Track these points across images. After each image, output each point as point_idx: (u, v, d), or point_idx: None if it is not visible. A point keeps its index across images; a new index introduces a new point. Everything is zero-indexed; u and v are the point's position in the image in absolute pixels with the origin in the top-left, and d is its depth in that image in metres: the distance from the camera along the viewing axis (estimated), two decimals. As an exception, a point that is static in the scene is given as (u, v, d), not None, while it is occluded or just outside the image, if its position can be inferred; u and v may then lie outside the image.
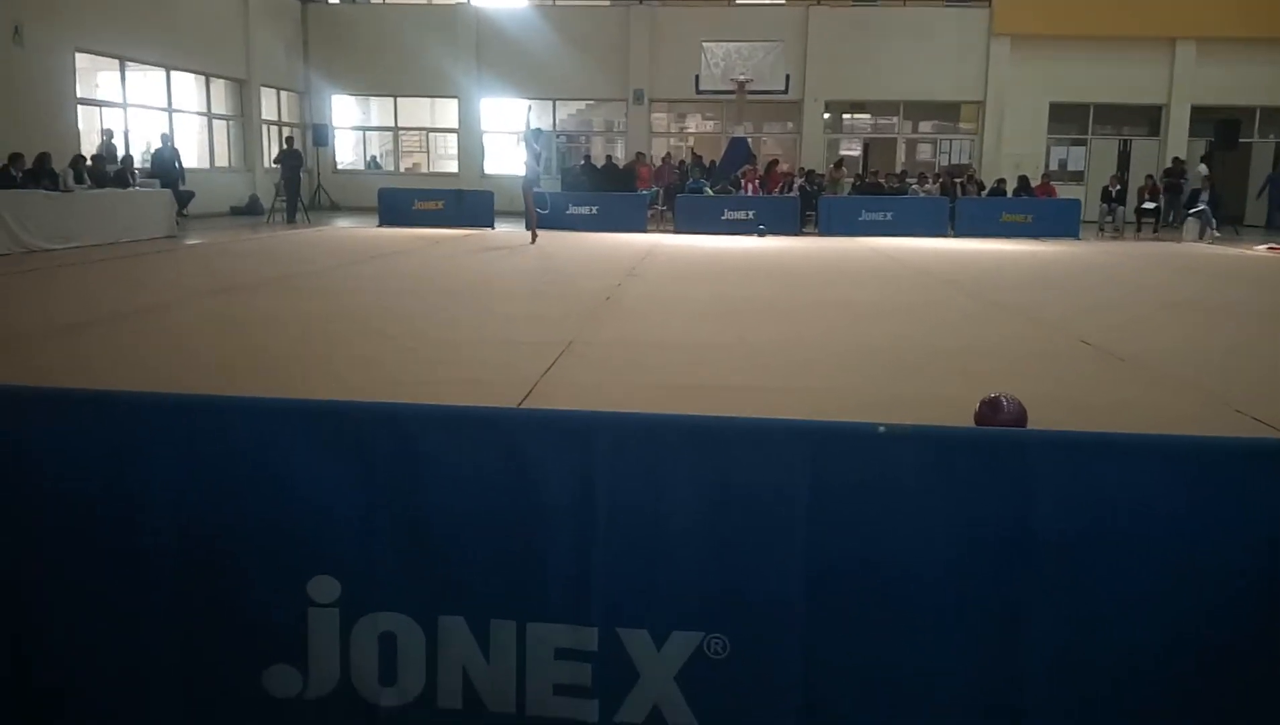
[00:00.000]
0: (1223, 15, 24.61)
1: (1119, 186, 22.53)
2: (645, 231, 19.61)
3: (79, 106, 18.65)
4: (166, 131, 20.03)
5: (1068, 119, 26.42)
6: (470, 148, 27.21)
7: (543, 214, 17.00)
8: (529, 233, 16.43)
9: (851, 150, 27.97)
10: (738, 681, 1.98)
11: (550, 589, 2.01)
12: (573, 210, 20.22)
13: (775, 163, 24.09)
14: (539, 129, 17.24)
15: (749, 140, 24.20)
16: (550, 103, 27.18)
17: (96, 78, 20.31)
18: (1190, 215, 20.64)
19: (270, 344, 7.07)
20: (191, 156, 22.63)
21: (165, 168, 18.97)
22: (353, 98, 27.97)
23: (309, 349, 6.92)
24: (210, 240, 16.36)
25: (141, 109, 20.82)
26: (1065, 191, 23.32)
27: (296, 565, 2.04)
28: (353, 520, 2.04)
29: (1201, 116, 25.10)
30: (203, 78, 22.80)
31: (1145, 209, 22.24)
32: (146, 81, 21.11)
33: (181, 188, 18.33)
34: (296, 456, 2.04)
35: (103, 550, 2.07)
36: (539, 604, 2.01)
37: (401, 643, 2.03)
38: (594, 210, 20.24)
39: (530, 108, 17.59)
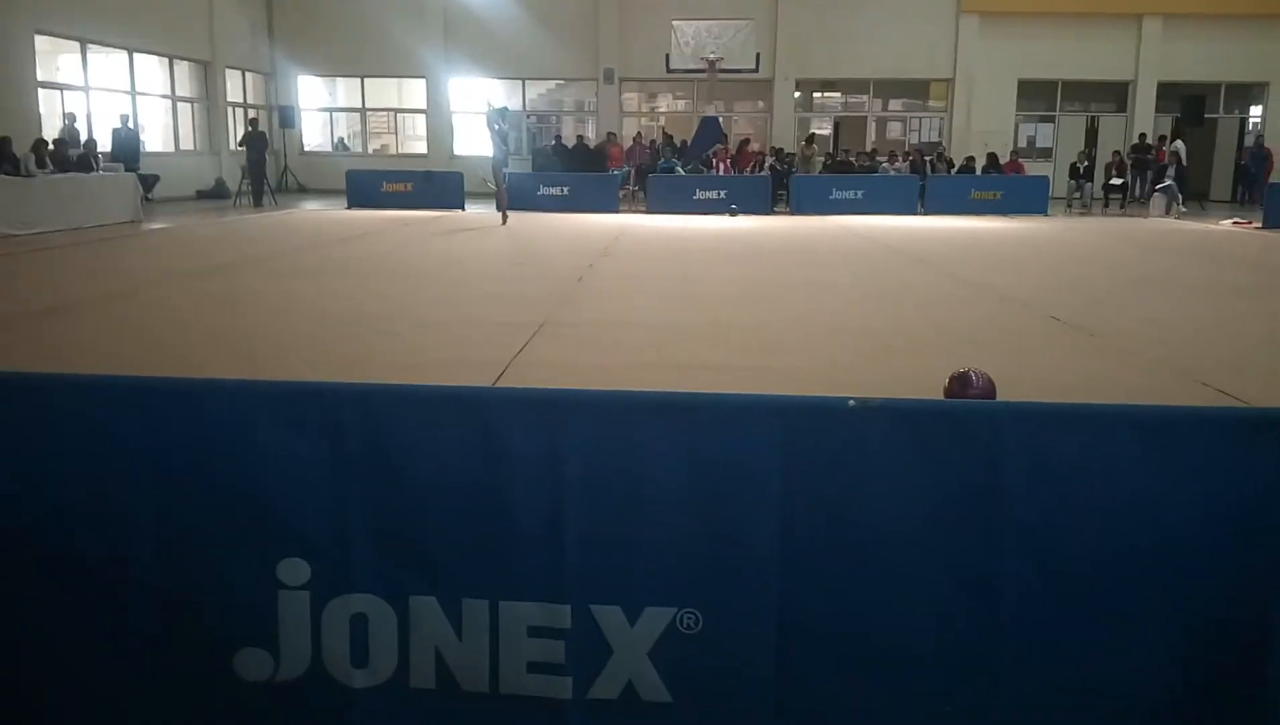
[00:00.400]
0: (1188, -8, 24.80)
1: (1087, 163, 22.69)
2: (617, 212, 19.56)
3: (39, 90, 18.30)
4: (127, 113, 19.63)
5: (1036, 96, 26.55)
6: (439, 129, 26.98)
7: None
8: (500, 214, 16.28)
9: (822, 129, 27.95)
10: (711, 655, 1.99)
11: (523, 567, 2.01)
12: (544, 191, 20.12)
13: (746, 142, 24.07)
14: (504, 108, 16.96)
15: (720, 119, 24.14)
16: (520, 82, 26.98)
17: (57, 61, 19.93)
18: (1157, 191, 20.84)
19: (239, 327, 7.00)
20: (156, 140, 22.31)
21: (126, 150, 18.65)
22: (319, 79, 27.63)
23: (278, 331, 6.85)
24: (176, 224, 16.16)
25: (104, 92, 20.46)
26: (1034, 168, 23.47)
27: (266, 548, 2.02)
28: (323, 502, 2.02)
29: (1168, 92, 25.30)
30: (166, 60, 22.43)
31: (1113, 185, 22.43)
32: (109, 64, 20.74)
33: (139, 170, 17.99)
34: (267, 438, 2.02)
35: (74, 535, 2.05)
36: (512, 582, 2.01)
37: (373, 624, 2.02)
38: (565, 190, 20.16)
39: (489, 95, 17.47)
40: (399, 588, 2.02)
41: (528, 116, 27.50)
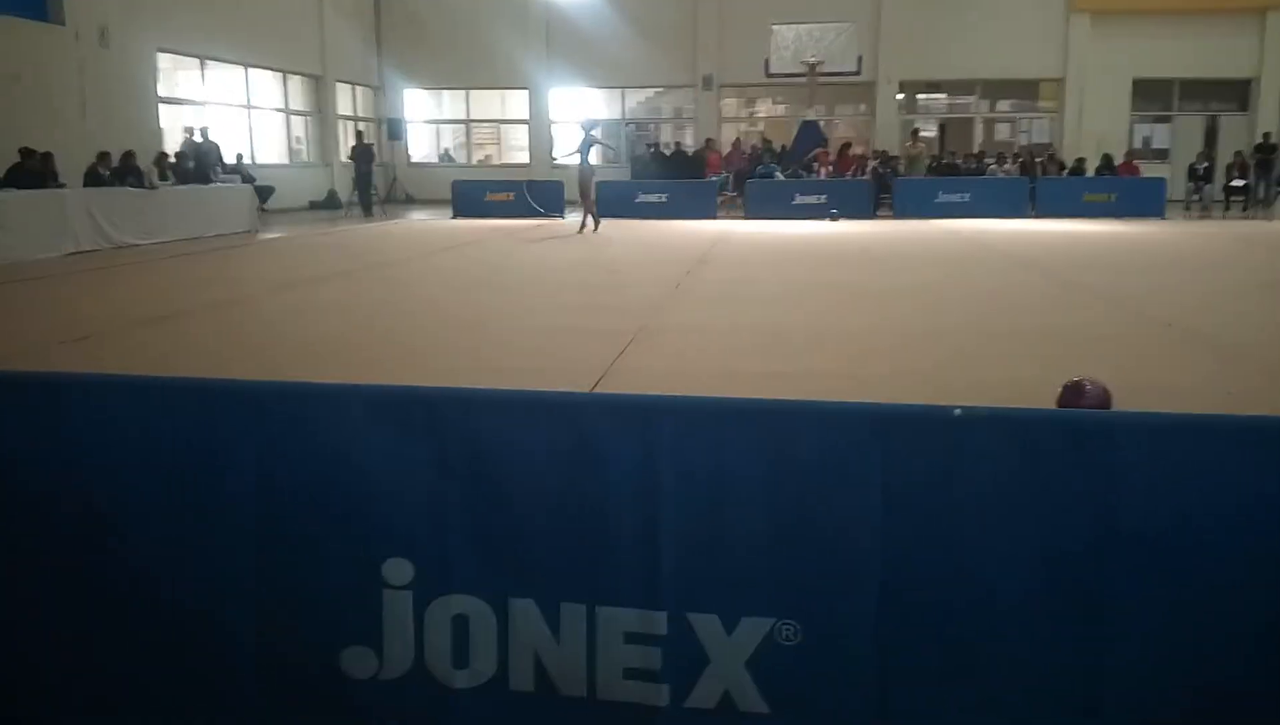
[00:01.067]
0: (1318, -18, 23.58)
1: (1206, 164, 21.76)
2: (715, 218, 19.52)
3: (160, 105, 19.17)
4: (205, 125, 19.78)
5: (1151, 95, 25.56)
6: (540, 138, 27.36)
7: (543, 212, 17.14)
8: (592, 221, 16.41)
9: (927, 131, 27.42)
10: (810, 668, 1.96)
11: (620, 572, 2.01)
12: (642, 198, 20.22)
13: (848, 145, 23.76)
14: (594, 121, 17.33)
15: (820, 123, 23.90)
16: (620, 91, 27.19)
17: (177, 76, 20.89)
18: (1284, 192, 19.85)
19: (346, 333, 7.20)
20: (271, 152, 23.16)
21: (204, 161, 18.49)
22: (426, 92, 28.32)
23: (384, 337, 7.03)
24: (289, 234, 16.74)
25: (222, 106, 21.35)
26: (1150, 170, 22.58)
27: (372, 548, 2.06)
28: (426, 504, 2.06)
29: (1294, 90, 24.09)
30: (280, 74, 23.29)
31: (1234, 187, 21.43)
32: (226, 79, 21.64)
33: (218, 180, 17.98)
34: (371, 441, 2.06)
35: (185, 534, 2.12)
36: (609, 587, 2.01)
37: (474, 625, 2.04)
38: (663, 198, 20.21)
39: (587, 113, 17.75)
40: (499, 590, 2.04)
41: (626, 124, 27.66)
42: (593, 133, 16.25)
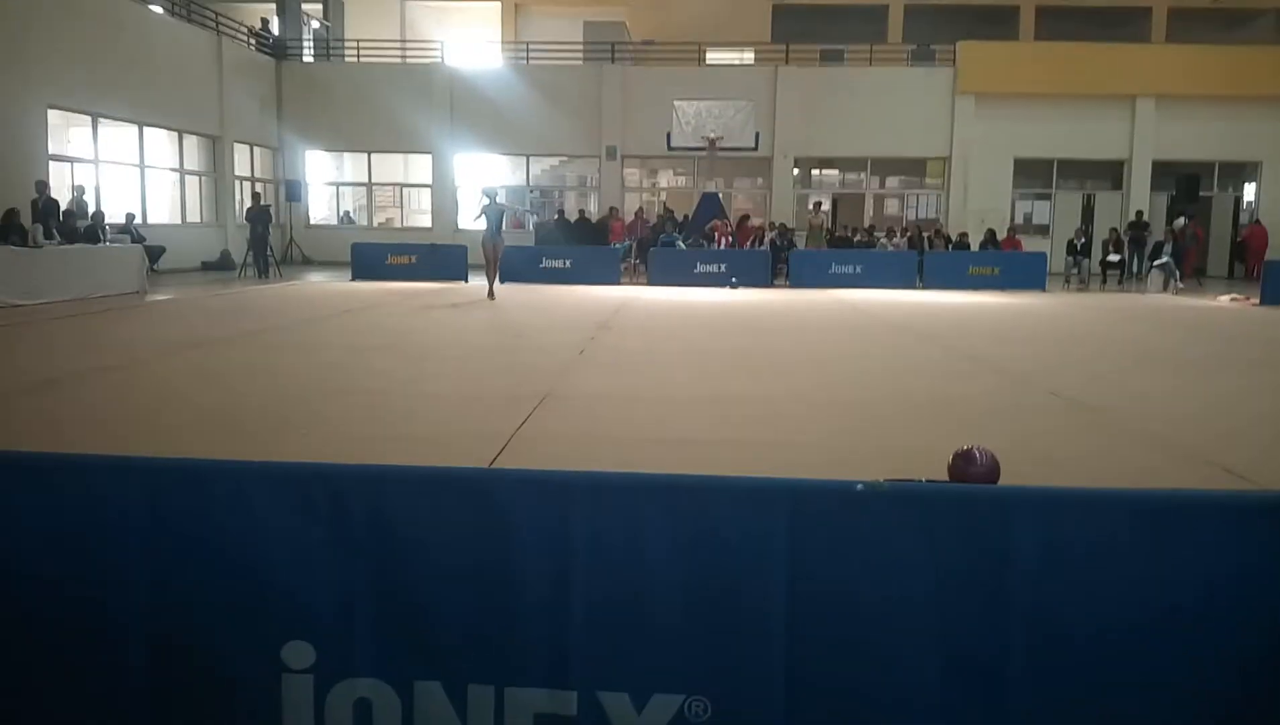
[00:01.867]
0: (1180, 75, 25.32)
1: (1084, 239, 22.92)
2: (619, 284, 19.71)
3: (50, 162, 18.57)
4: (80, 185, 19.05)
5: (1032, 174, 26.94)
6: (444, 202, 27.34)
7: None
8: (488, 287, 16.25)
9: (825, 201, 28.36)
10: (719, 744, 1.96)
11: (529, 652, 1.99)
12: (546, 263, 20.31)
13: (746, 217, 24.37)
14: (495, 191, 16.97)
15: (720, 195, 24.50)
16: (524, 158, 27.42)
17: (68, 134, 20.28)
18: (1155, 267, 21.01)
19: (241, 401, 7.01)
20: (164, 212, 22.59)
21: (69, 220, 17.49)
22: (327, 153, 28.07)
23: (280, 406, 6.86)
24: (181, 296, 16.27)
25: (113, 165, 20.78)
26: (1031, 244, 23.70)
27: (271, 631, 2.00)
28: (327, 584, 2.01)
29: (1163, 170, 25.68)
30: (176, 134, 22.82)
31: (1110, 261, 22.62)
32: (119, 137, 21.10)
33: (106, 240, 17.23)
34: (270, 520, 2.02)
35: (71, 618, 2.03)
36: (517, 667, 1.99)
37: (377, 709, 1.99)
38: (567, 263, 20.34)
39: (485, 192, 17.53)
40: (403, 672, 2.00)
41: (531, 191, 27.87)
42: (498, 201, 16.19)
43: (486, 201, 15.83)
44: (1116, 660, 1.93)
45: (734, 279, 19.40)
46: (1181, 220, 21.78)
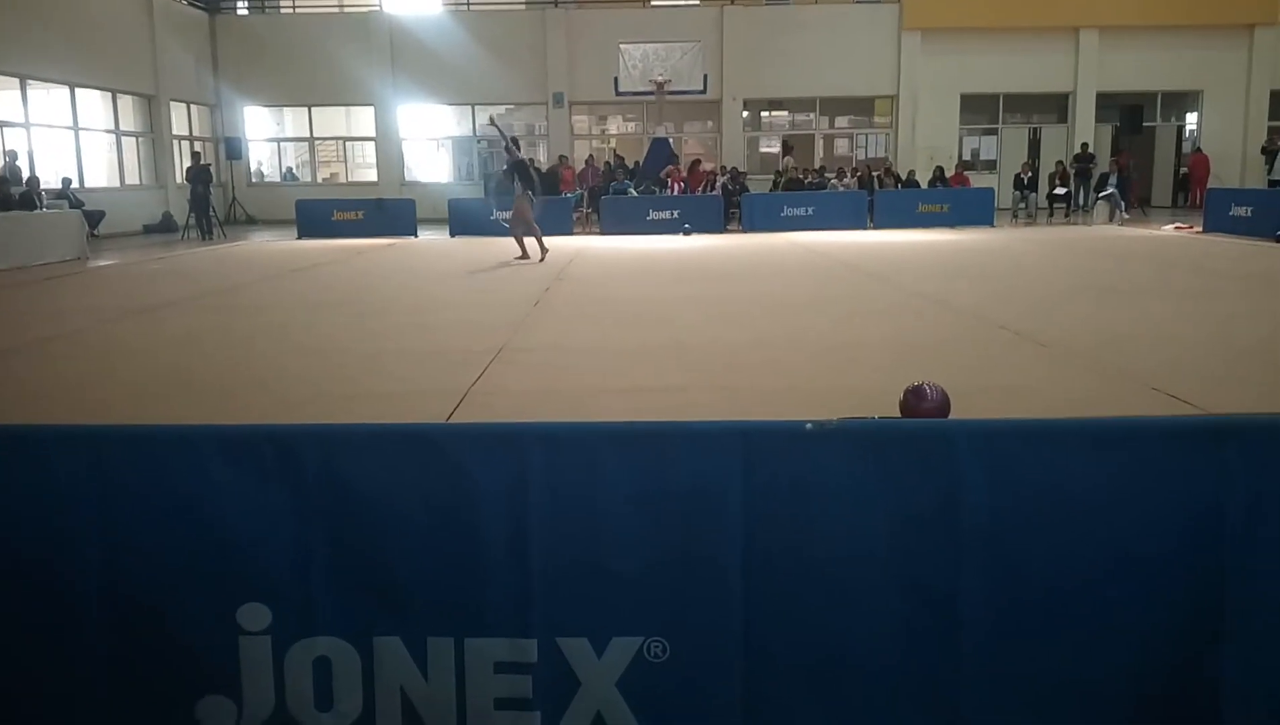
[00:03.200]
0: (1122, 5, 25.43)
1: (1030, 174, 23.12)
2: (571, 234, 19.58)
3: (-22, 127, 17.98)
4: (12, 149, 18.38)
5: (979, 109, 27.05)
6: (389, 156, 26.89)
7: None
8: (536, 250, 14.25)
9: (771, 147, 28.27)
10: (679, 683, 1.99)
11: (488, 603, 2.00)
12: (497, 215, 20.10)
13: (698, 162, 24.25)
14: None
15: (671, 140, 24.34)
16: (469, 107, 26.99)
17: (-4, 97, 19.64)
18: (1100, 198, 21.28)
19: (189, 365, 6.90)
20: (100, 175, 22.00)
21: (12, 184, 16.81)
22: (266, 109, 27.43)
23: (230, 369, 6.77)
24: (122, 261, 15.92)
25: (46, 128, 20.15)
26: (979, 180, 23.87)
27: (226, 593, 1.99)
28: (283, 544, 2.00)
29: (1107, 102, 25.90)
30: (109, 94, 22.15)
31: (1057, 195, 22.86)
32: (50, 100, 20.44)
33: (42, 206, 16.64)
34: (223, 482, 1.99)
35: (25, 586, 2.00)
36: (477, 619, 2.00)
37: (337, 667, 1.99)
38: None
39: (492, 119, 15.94)
40: (362, 628, 2.00)
41: (478, 142, 27.49)
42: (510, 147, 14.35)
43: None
44: (1069, 589, 1.98)
45: (687, 226, 19.36)
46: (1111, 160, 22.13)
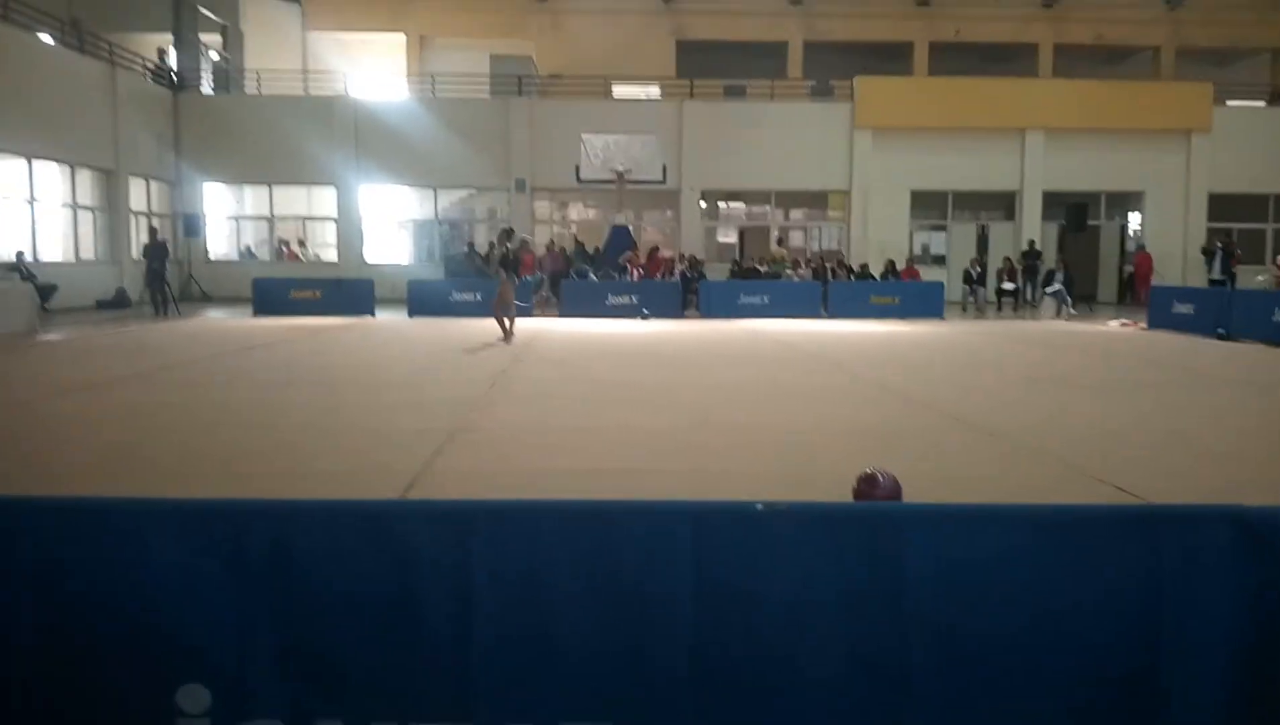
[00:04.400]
0: (1066, 108, 26.50)
1: (979, 268, 23.70)
2: (531, 316, 19.66)
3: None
4: None
5: (929, 205, 27.81)
6: (349, 235, 26.95)
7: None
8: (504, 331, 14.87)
9: (728, 237, 28.81)
10: (627, 770, 1.96)
11: (432, 686, 1.97)
12: (457, 296, 20.18)
13: (656, 249, 24.60)
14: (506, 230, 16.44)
15: (630, 227, 24.71)
16: (432, 190, 27.24)
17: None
18: (1047, 294, 21.83)
19: (136, 440, 6.78)
20: (55, 249, 21.79)
21: None
22: (226, 186, 27.46)
23: (177, 445, 6.65)
24: (73, 335, 15.69)
25: (1, 200, 19.99)
26: (929, 274, 24.42)
27: (164, 673, 1.95)
28: (226, 623, 1.97)
29: (1053, 200, 26.77)
30: (68, 167, 22.07)
31: (1005, 289, 23.43)
32: (6, 171, 20.32)
33: None
34: (165, 557, 1.96)
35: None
36: (421, 703, 1.97)
37: (277, 751, 1.95)
38: (478, 297, 20.21)
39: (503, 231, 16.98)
40: (304, 711, 1.96)
41: (440, 224, 27.69)
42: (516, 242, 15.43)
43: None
44: (1013, 665, 2.00)
45: (645, 310, 19.55)
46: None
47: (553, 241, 25.57)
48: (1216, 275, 21.81)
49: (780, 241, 25.93)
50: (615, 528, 1.99)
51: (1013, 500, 4.56)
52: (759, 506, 1.99)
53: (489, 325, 15.20)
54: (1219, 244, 22.63)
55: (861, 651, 1.99)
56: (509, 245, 15.78)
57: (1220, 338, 15.28)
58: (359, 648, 1.97)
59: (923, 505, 2.17)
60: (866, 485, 4.25)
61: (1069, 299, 21.38)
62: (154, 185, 25.55)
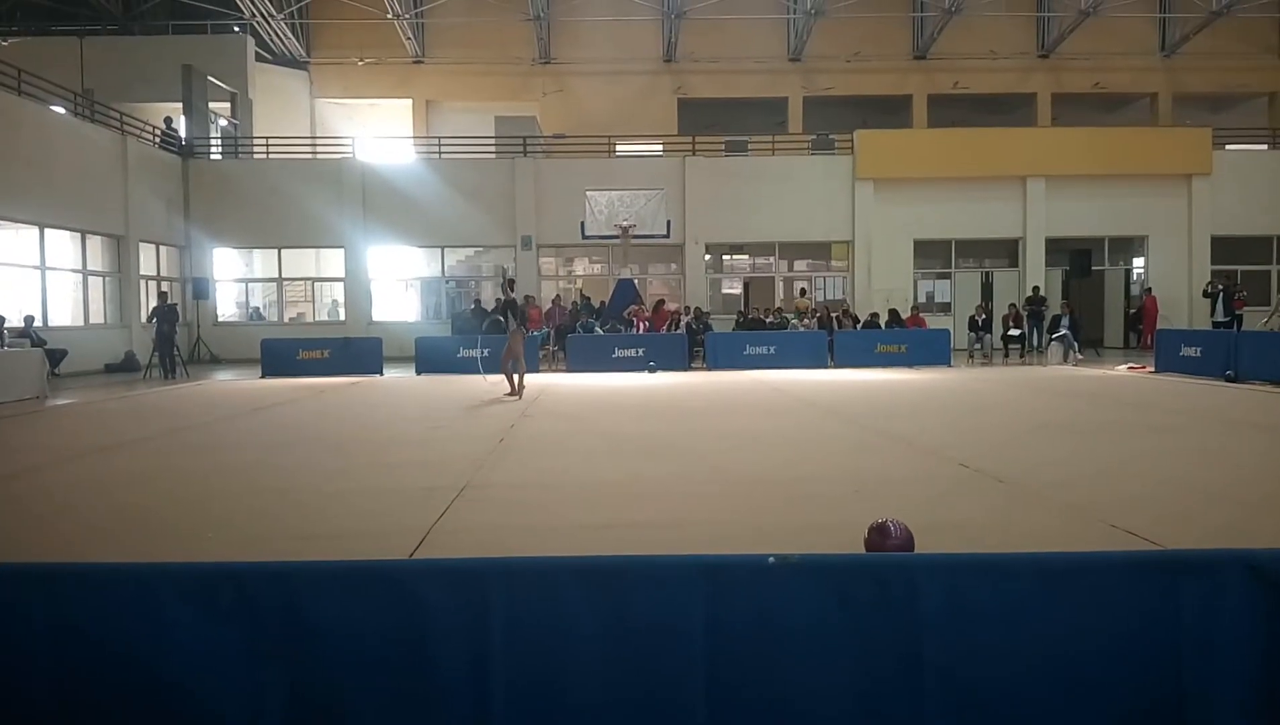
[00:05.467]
0: (1066, 155, 26.71)
1: (984, 316, 23.75)
2: (538, 371, 19.70)
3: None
4: None
5: (932, 254, 27.94)
6: (357, 296, 27.15)
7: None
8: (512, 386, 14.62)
9: (733, 288, 28.96)
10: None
11: (448, 746, 1.96)
12: (464, 353, 20.26)
13: (662, 302, 24.73)
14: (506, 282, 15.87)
15: (635, 281, 24.87)
16: (439, 249, 27.49)
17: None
18: (1054, 340, 21.84)
19: (147, 504, 6.78)
20: (65, 314, 21.97)
21: None
22: (235, 250, 27.75)
23: (186, 510, 6.66)
24: (82, 399, 15.76)
25: (12, 267, 20.22)
26: (934, 322, 24.47)
27: (177, 739, 1.94)
28: (239, 687, 1.96)
29: (1056, 246, 26.88)
30: (78, 234, 22.34)
31: (1010, 336, 23.44)
32: (18, 239, 20.57)
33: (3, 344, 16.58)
34: (178, 623, 1.97)
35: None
36: (437, 762, 1.96)
37: (291, 815, 1.93)
38: (485, 352, 20.30)
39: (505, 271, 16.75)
40: (318, 775, 1.95)
41: (446, 282, 27.90)
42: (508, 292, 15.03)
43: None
44: (1029, 717, 1.98)
45: (652, 363, 19.59)
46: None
47: (559, 296, 25.72)
48: (1220, 317, 21.80)
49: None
50: (629, 583, 1.99)
51: (1023, 545, 4.54)
52: (771, 560, 1.99)
53: (501, 380, 15.20)
54: (1220, 286, 22.66)
55: (874, 700, 1.98)
56: (511, 294, 15.25)
57: (1228, 380, 15.23)
58: (374, 708, 1.96)
59: (936, 556, 2.17)
60: (879, 536, 4.23)
61: (1075, 344, 21.38)
62: (163, 250, 25.83)
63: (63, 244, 21.99)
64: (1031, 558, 2.14)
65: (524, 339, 14.78)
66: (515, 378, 14.58)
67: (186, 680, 1.95)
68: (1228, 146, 28.52)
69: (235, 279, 28.12)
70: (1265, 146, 29.65)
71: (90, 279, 22.96)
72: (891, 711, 1.97)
